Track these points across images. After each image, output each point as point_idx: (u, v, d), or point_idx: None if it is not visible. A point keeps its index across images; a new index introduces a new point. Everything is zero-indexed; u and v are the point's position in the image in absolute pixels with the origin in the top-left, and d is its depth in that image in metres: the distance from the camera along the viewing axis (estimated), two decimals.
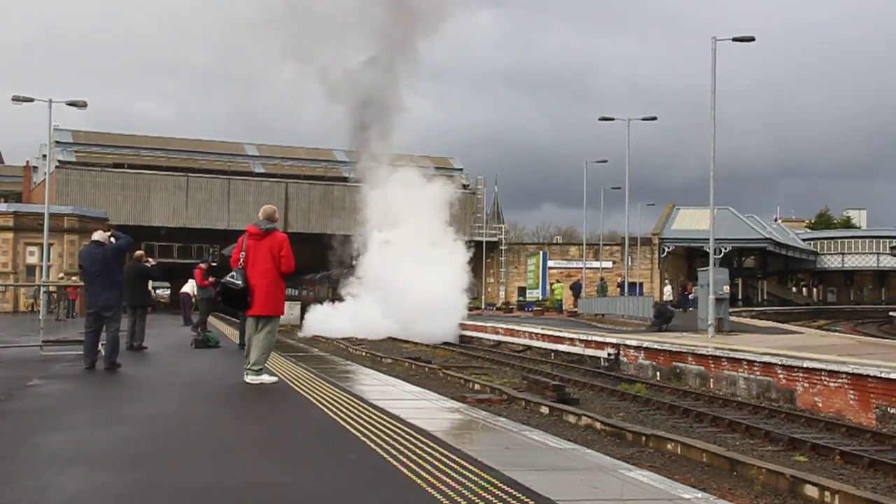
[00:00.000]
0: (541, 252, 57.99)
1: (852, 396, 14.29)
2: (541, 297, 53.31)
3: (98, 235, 12.18)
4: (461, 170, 61.27)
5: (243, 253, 9.92)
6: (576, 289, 49.10)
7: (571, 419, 12.91)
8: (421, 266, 32.14)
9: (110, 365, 11.60)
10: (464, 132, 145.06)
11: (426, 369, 20.03)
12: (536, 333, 27.71)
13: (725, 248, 53.93)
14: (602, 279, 51.54)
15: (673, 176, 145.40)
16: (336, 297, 36.99)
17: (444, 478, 5.12)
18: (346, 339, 29.39)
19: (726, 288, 26.22)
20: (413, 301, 30.82)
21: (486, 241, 56.86)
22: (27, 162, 58.65)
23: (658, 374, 20.17)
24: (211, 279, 22.18)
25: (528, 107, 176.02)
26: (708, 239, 27.67)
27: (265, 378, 10.02)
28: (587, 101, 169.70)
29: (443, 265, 33.25)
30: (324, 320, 33.43)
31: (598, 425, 12.23)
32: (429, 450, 6.00)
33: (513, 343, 28.87)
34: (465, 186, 57.40)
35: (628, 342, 22.06)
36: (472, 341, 31.26)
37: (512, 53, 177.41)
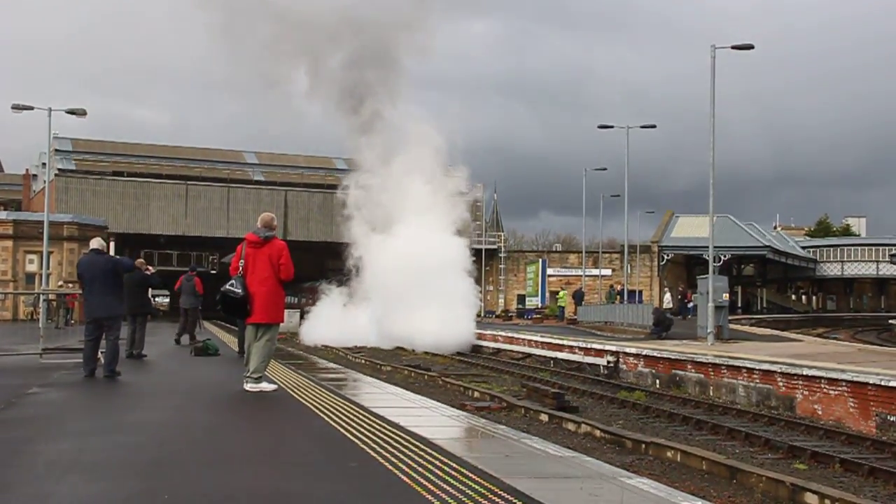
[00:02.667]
0: (540, 260, 58.02)
1: (852, 404, 14.28)
2: (540, 305, 53.31)
3: (96, 243, 12.15)
4: (460, 176, 61.22)
5: (242, 261, 9.94)
6: (577, 297, 49.11)
7: (571, 427, 12.90)
8: (426, 258, 30.03)
9: (110, 373, 11.60)
10: (461, 139, 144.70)
11: (426, 377, 20.01)
12: (536, 341, 27.67)
13: (725, 256, 53.98)
14: (612, 286, 51.59)
15: (671, 183, 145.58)
16: (344, 287, 35.50)
17: (445, 486, 5.12)
18: (347, 348, 29.30)
19: (726, 296, 26.22)
20: (421, 310, 29.17)
21: (486, 249, 56.82)
22: (27, 170, 58.70)
23: (657, 381, 20.16)
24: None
25: (525, 114, 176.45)
26: (707, 246, 27.68)
27: (265, 386, 10.02)
28: (584, 108, 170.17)
29: (449, 256, 31.26)
30: (324, 328, 32.94)
31: (597, 433, 12.23)
32: (429, 458, 6.01)
33: (512, 351, 28.82)
34: (462, 193, 57.33)
35: (628, 350, 22.05)
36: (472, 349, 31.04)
37: (507, 62, 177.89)
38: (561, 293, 51.22)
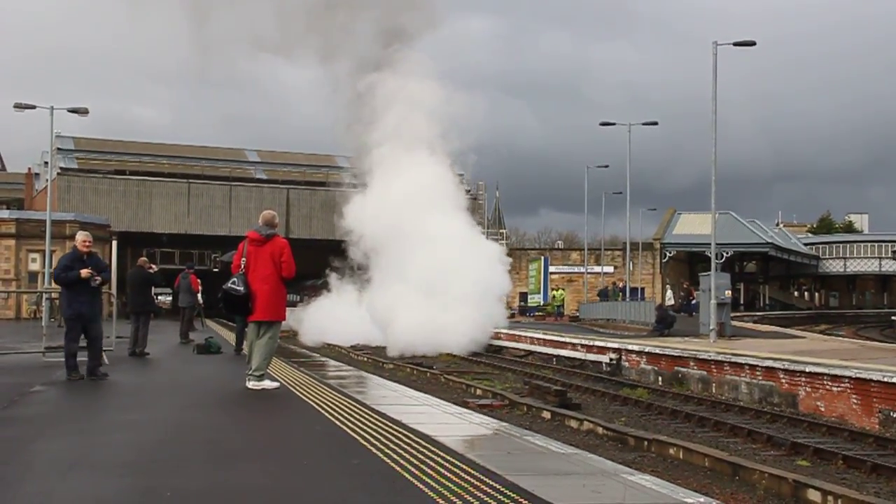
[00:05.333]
0: (542, 258, 57.97)
1: (855, 401, 14.26)
2: (542, 303, 53.33)
3: (79, 236, 11.78)
4: (462, 175, 61.23)
5: (244, 259, 9.94)
6: (603, 296, 49.01)
7: (573, 424, 12.88)
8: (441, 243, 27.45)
9: (66, 376, 11.10)
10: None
11: (428, 374, 20.00)
12: (538, 339, 27.65)
13: (727, 253, 53.90)
14: (614, 283, 51.62)
15: (673, 181, 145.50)
16: (347, 283, 34.14)
17: (447, 483, 5.12)
18: (350, 345, 29.18)
19: (728, 293, 26.17)
20: (420, 305, 26.93)
21: None
22: (29, 169, 58.71)
23: (660, 378, 20.15)
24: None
25: (526, 112, 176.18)
26: (709, 243, 27.64)
27: (267, 383, 10.03)
28: (583, 106, 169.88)
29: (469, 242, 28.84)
30: (327, 325, 32.33)
31: (600, 430, 12.22)
32: (431, 455, 6.00)
33: (514, 348, 28.78)
34: (465, 192, 57.32)
35: (630, 347, 22.03)
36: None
37: (508, 59, 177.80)
38: (558, 292, 51.28)
